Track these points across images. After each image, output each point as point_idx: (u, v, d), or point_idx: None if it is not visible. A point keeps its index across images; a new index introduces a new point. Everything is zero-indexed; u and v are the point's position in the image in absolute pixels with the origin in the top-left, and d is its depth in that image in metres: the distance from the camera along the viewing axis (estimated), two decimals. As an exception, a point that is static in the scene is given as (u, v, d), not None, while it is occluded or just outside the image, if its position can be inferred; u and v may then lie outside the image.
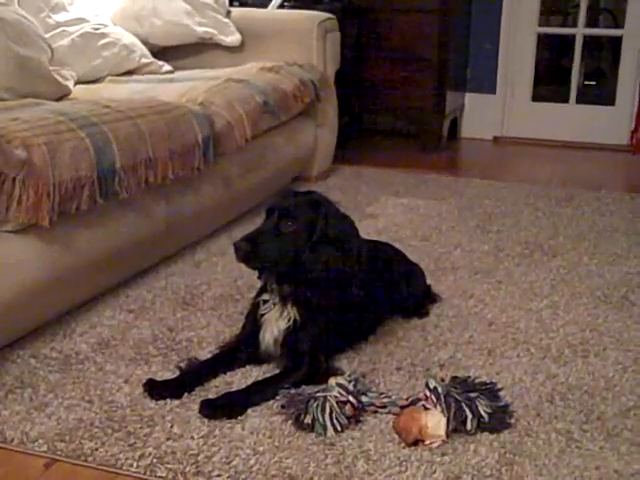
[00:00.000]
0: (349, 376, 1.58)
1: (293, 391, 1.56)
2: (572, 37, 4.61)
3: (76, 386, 1.67)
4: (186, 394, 1.62)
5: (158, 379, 1.66)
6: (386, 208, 3.07)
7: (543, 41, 4.79)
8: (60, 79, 2.59)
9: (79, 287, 2.01)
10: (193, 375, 1.68)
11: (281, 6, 3.85)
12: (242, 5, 3.87)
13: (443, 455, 1.44)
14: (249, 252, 1.66)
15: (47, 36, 2.64)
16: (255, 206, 2.81)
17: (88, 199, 1.87)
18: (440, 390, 1.48)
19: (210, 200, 2.52)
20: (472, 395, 1.50)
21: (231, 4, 3.63)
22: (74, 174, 1.82)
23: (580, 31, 4.54)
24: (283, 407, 1.55)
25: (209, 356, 1.78)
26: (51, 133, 1.82)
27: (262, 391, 1.61)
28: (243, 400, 1.59)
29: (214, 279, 2.29)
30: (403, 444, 1.46)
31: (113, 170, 1.94)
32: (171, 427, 1.51)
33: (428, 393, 1.49)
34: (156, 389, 1.63)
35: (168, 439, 1.47)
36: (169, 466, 1.40)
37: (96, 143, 1.90)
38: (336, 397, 1.51)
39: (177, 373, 1.69)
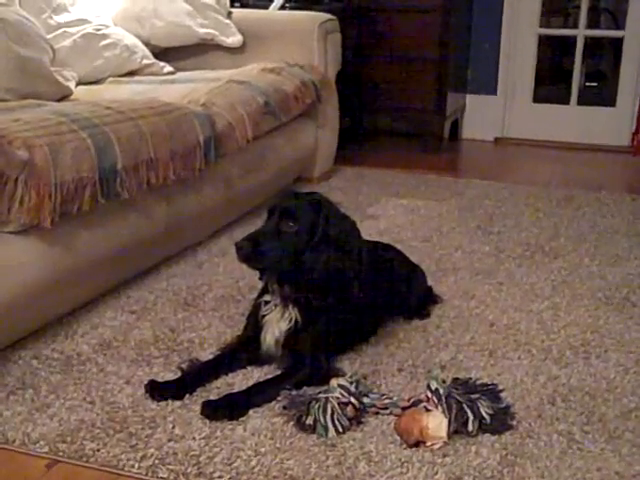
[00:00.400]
0: (350, 377, 1.58)
1: (294, 392, 1.56)
2: (573, 38, 4.60)
3: (78, 387, 1.67)
4: (187, 395, 1.62)
5: (159, 380, 1.66)
6: (387, 209, 3.07)
7: (544, 42, 4.78)
8: (61, 80, 2.59)
9: (80, 288, 2.01)
10: (194, 376, 1.68)
11: (282, 7, 3.85)
12: (243, 6, 3.87)
13: (444, 456, 1.44)
14: (250, 252, 1.66)
15: (49, 37, 2.65)
16: (256, 207, 2.81)
17: (90, 200, 1.87)
18: (441, 391, 1.48)
19: (211, 201, 2.52)
20: (473, 396, 1.50)
21: (232, 5, 3.63)
22: (76, 175, 1.82)
23: (581, 32, 4.54)
24: (285, 408, 1.55)
25: (210, 357, 1.78)
26: (53, 134, 1.82)
27: (263, 392, 1.62)
28: (244, 401, 1.59)
29: (215, 280, 2.29)
30: (404, 445, 1.46)
31: (115, 171, 1.95)
32: (173, 428, 1.51)
33: (429, 394, 1.49)
34: (157, 390, 1.63)
35: (170, 440, 1.47)
36: (171, 467, 1.40)
37: (98, 144, 1.91)
38: (338, 398, 1.51)
39: (178, 374, 1.69)
